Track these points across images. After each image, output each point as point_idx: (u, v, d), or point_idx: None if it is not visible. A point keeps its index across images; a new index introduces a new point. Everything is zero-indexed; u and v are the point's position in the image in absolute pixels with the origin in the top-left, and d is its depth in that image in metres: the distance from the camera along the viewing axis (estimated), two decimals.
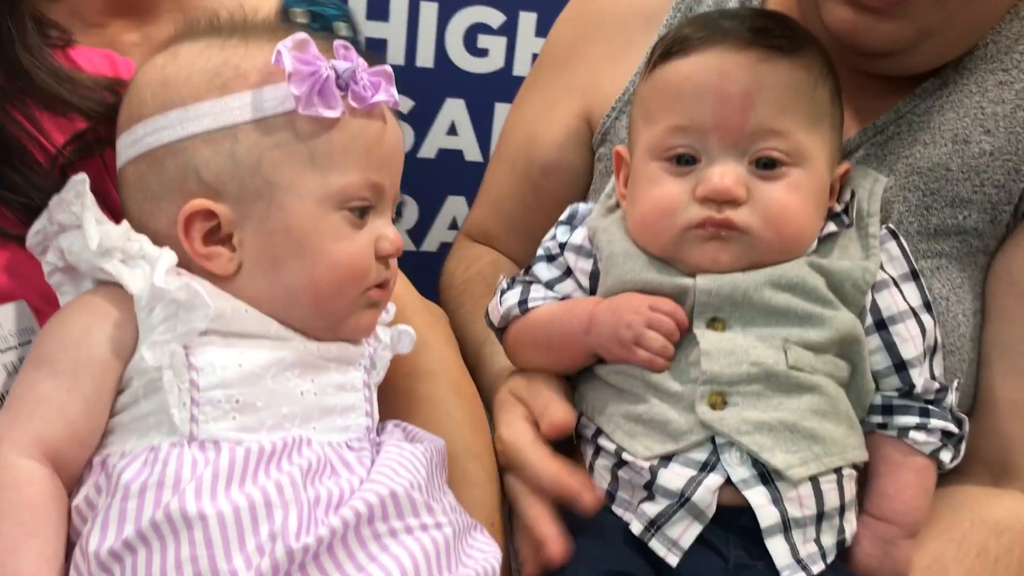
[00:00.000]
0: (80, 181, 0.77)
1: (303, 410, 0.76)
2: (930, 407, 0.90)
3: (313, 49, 0.77)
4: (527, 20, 1.80)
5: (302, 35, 0.77)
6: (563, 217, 1.00)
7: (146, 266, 0.74)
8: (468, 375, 0.98)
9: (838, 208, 0.94)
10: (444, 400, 0.94)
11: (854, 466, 0.88)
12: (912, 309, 0.90)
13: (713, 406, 0.84)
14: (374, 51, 1.78)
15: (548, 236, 0.99)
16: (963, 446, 0.91)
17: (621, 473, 0.87)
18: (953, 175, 0.95)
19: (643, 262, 0.90)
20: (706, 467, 0.84)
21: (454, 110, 1.83)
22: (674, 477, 0.83)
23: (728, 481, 0.83)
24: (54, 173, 0.83)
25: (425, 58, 1.81)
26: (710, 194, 0.86)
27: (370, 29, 1.77)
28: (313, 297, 0.78)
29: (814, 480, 0.84)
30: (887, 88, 0.99)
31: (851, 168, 0.95)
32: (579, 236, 0.97)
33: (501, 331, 0.99)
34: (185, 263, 0.76)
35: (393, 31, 1.78)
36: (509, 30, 1.80)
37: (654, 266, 0.89)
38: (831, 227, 0.92)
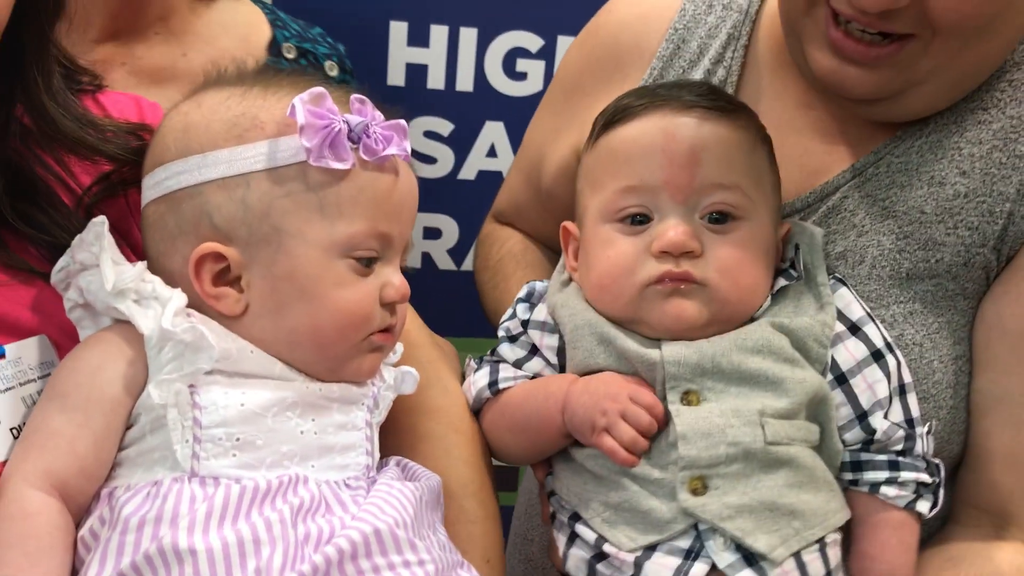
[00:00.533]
0: (99, 223, 0.81)
1: (302, 448, 0.79)
2: (900, 459, 0.90)
3: (328, 103, 0.80)
4: (565, 44, 1.82)
5: (319, 89, 0.80)
6: (521, 294, 1.01)
7: (158, 307, 0.78)
8: (470, 412, 1.00)
9: (784, 264, 0.95)
10: (444, 438, 0.96)
11: (839, 527, 0.89)
12: (871, 355, 0.91)
13: (694, 491, 0.85)
14: (414, 77, 1.82)
15: (506, 315, 1.00)
16: (941, 492, 0.91)
17: (600, 568, 0.88)
18: (927, 217, 0.95)
19: (608, 336, 0.90)
20: (691, 554, 0.85)
21: (493, 133, 1.86)
22: (660, 569, 0.84)
23: (713, 567, 0.84)
24: (79, 213, 0.87)
25: (465, 82, 1.84)
26: (667, 247, 0.88)
27: (411, 55, 1.81)
28: (315, 340, 0.81)
29: (796, 556, 0.85)
30: (871, 129, 0.99)
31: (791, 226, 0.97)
32: (541, 313, 0.98)
33: (476, 414, 0.99)
34: (196, 303, 0.80)
35: (433, 56, 1.82)
36: (547, 54, 1.82)
37: (619, 341, 0.90)
38: (781, 282, 0.93)
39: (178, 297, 0.78)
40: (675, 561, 0.84)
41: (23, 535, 0.73)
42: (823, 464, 0.89)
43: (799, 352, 0.89)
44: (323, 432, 0.81)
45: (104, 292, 0.79)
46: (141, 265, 0.81)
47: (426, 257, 1.91)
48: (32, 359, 0.82)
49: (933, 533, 0.98)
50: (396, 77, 1.82)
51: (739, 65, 1.04)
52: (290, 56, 1.32)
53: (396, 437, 0.93)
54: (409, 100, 1.83)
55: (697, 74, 1.05)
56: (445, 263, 1.90)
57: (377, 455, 0.86)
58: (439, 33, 1.81)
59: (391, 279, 0.84)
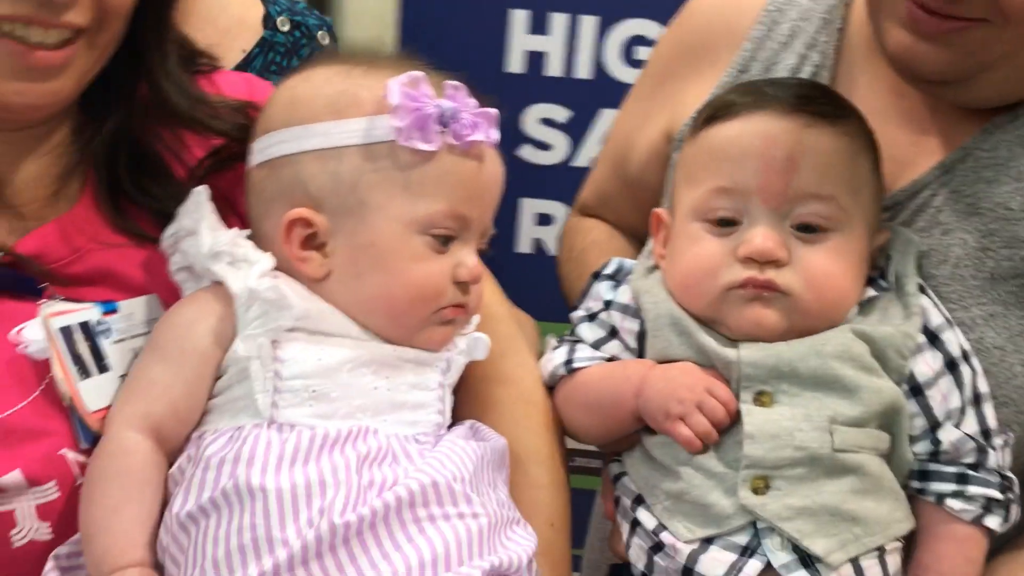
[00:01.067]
0: (200, 192, 0.88)
1: (375, 403, 0.84)
2: (969, 472, 0.88)
3: (424, 86, 0.84)
4: None
5: (417, 73, 0.85)
6: (608, 270, 1.01)
7: (248, 268, 0.85)
8: (543, 385, 1.02)
9: (874, 273, 0.94)
10: (515, 407, 0.99)
11: (902, 536, 0.88)
12: (946, 364, 0.89)
13: (755, 490, 0.85)
14: (533, 64, 1.86)
15: (590, 294, 1.00)
16: (1015, 508, 0.88)
17: (657, 559, 0.89)
18: (1013, 214, 0.92)
19: (688, 330, 0.91)
20: (747, 551, 0.85)
21: (610, 121, 1.88)
22: (715, 564, 0.85)
23: (768, 565, 0.84)
24: (191, 184, 0.95)
25: (583, 70, 1.87)
26: (752, 254, 0.87)
27: (530, 43, 1.85)
28: (389, 309, 0.86)
29: (855, 561, 0.84)
30: (959, 120, 0.97)
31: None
32: (624, 295, 0.98)
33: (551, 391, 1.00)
34: (285, 266, 0.87)
35: (553, 44, 1.86)
36: None
37: (698, 336, 0.90)
38: (870, 292, 0.92)
39: (266, 260, 0.85)
40: (731, 557, 0.85)
41: (120, 471, 0.81)
42: (890, 472, 0.88)
43: (878, 361, 0.88)
44: (396, 390, 0.85)
45: (202, 255, 0.86)
46: (236, 230, 0.88)
47: (538, 243, 1.95)
48: (142, 315, 0.89)
49: (1011, 537, 0.95)
50: (515, 64, 1.86)
51: (833, 49, 1.03)
52: (284, 29, 1.37)
53: (470, 403, 0.97)
54: (527, 87, 1.87)
55: (789, 57, 1.04)
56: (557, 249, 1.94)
57: (448, 415, 0.90)
58: (559, 21, 1.84)
59: (465, 260, 0.87)
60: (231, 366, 0.84)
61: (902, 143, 0.99)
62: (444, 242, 0.87)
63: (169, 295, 0.91)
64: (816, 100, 0.92)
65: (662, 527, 0.89)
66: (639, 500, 0.92)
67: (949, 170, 0.96)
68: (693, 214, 0.93)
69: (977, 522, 0.88)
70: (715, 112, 0.94)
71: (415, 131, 0.84)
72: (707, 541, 0.86)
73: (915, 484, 0.90)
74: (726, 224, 0.91)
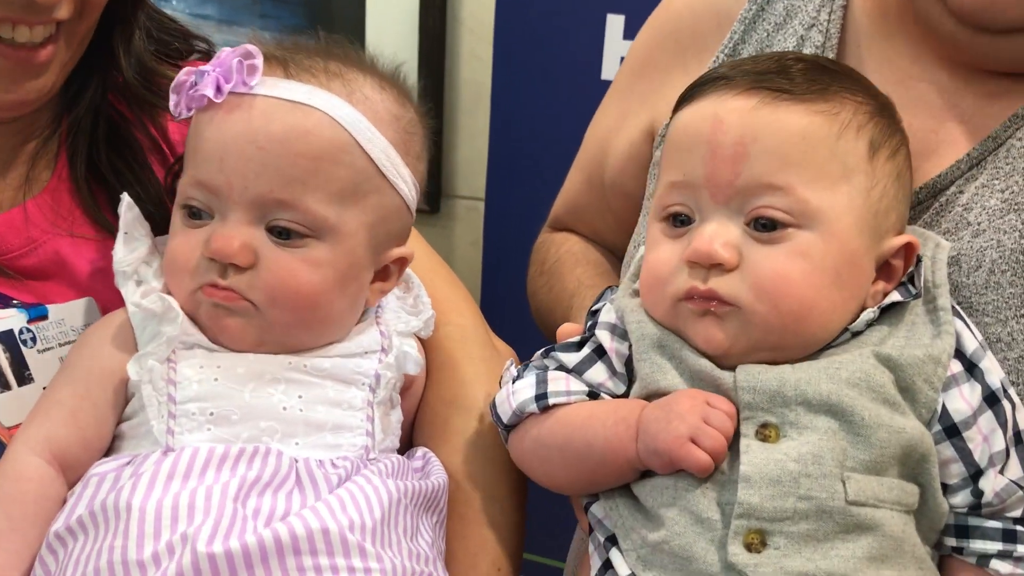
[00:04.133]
0: (123, 200, 0.86)
1: (284, 424, 0.79)
2: (1018, 527, 0.74)
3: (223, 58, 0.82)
4: None
5: (227, 48, 0.83)
6: (600, 302, 0.89)
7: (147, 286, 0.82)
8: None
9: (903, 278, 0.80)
10: (478, 437, 0.92)
11: None
12: (985, 399, 0.75)
13: (749, 546, 0.72)
14: None
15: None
16: None
17: None
18: None
19: (675, 351, 0.79)
20: None
21: None
22: None
23: None
24: (167, 180, 0.93)
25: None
26: (691, 256, 0.76)
27: (626, 48, 1.74)
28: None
29: None
30: (984, 103, 0.84)
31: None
32: (610, 314, 0.85)
33: (508, 429, 0.86)
34: None
35: None
36: None
37: (688, 358, 0.78)
38: (895, 296, 0.78)
39: (153, 277, 0.82)
40: None
41: (13, 497, 0.78)
42: (914, 534, 0.74)
43: (903, 394, 0.75)
44: (311, 409, 0.80)
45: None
46: (148, 246, 0.85)
47: None
48: (76, 321, 0.88)
49: None
50: (610, 70, 1.77)
51: (838, 28, 0.91)
52: None
53: (429, 425, 0.92)
54: None
55: (786, 38, 0.92)
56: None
57: (385, 437, 0.84)
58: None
59: (214, 232, 0.79)
60: (135, 391, 0.81)
61: (918, 133, 0.85)
62: (197, 217, 0.81)
63: (118, 297, 0.89)
64: (784, 73, 0.78)
65: None
66: (613, 539, 0.80)
67: (978, 163, 0.83)
68: (654, 212, 0.82)
69: None
70: (682, 96, 0.83)
71: (177, 105, 0.81)
72: None
73: (951, 542, 0.76)
74: (679, 223, 0.79)
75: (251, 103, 0.79)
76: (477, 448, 0.92)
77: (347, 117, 0.80)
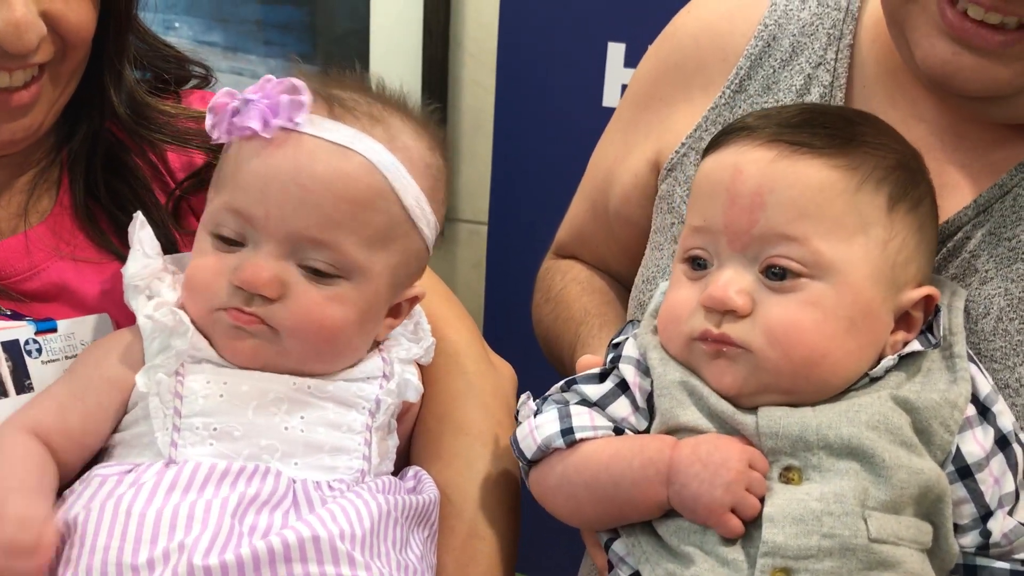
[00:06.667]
0: (135, 218, 0.88)
1: (285, 444, 0.80)
2: None
3: (264, 86, 0.84)
4: None
5: (273, 77, 0.84)
6: (621, 336, 0.90)
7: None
8: (504, 432, 0.95)
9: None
10: (469, 451, 0.93)
11: None
12: (996, 442, 0.76)
13: None
14: None
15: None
16: None
17: None
18: None
19: (697, 391, 0.80)
20: None
21: None
22: None
23: None
24: (168, 205, 0.95)
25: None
26: (706, 302, 0.78)
27: (628, 76, 1.77)
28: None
29: None
30: (991, 147, 0.85)
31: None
32: (632, 348, 0.86)
33: (530, 465, 0.85)
34: None
35: None
36: None
37: (709, 400, 0.79)
38: (915, 345, 0.79)
39: (170, 294, 0.84)
40: None
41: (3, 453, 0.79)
42: (931, 573, 0.76)
43: (919, 436, 0.76)
44: (311, 430, 0.82)
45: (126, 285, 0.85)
46: (160, 262, 0.86)
47: None
48: (87, 335, 0.90)
49: None
50: (611, 98, 1.79)
51: (845, 68, 0.92)
52: None
53: (421, 443, 0.92)
54: None
55: (792, 75, 0.94)
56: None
57: (381, 461, 0.85)
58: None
59: (245, 261, 0.81)
60: (139, 401, 0.82)
61: None
62: (228, 243, 0.82)
63: (125, 317, 0.91)
64: (807, 126, 0.80)
65: None
66: None
67: (985, 209, 0.84)
68: (678, 255, 0.84)
69: None
70: (709, 144, 0.85)
71: (216, 127, 0.82)
72: None
73: None
74: (698, 266, 0.82)
75: (298, 141, 0.80)
76: (468, 463, 0.93)
77: (387, 164, 0.82)
